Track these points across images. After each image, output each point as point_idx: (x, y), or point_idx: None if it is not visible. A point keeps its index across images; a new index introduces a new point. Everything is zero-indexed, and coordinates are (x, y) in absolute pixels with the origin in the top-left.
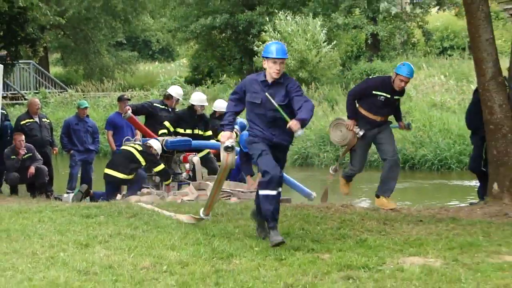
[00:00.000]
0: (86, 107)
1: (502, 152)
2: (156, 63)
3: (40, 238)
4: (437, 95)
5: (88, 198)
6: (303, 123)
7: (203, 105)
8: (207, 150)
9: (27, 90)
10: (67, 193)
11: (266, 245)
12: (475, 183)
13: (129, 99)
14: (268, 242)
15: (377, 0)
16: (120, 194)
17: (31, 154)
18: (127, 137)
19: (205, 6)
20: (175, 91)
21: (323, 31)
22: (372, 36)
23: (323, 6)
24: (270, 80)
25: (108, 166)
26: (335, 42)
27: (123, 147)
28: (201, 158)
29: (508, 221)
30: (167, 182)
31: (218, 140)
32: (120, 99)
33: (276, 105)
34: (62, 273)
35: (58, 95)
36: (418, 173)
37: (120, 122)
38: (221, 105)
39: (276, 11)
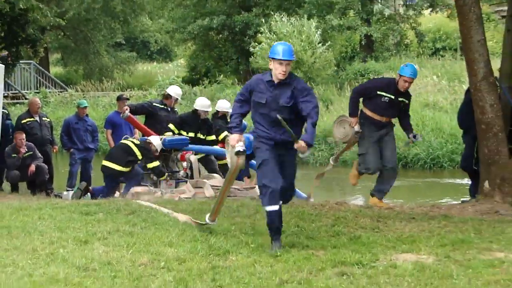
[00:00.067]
0: (85, 107)
1: (493, 151)
2: (154, 63)
3: (40, 235)
4: (429, 95)
5: (88, 194)
6: (309, 145)
7: (207, 111)
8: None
9: (27, 89)
10: (67, 190)
11: (262, 242)
12: (467, 181)
13: (127, 99)
14: (263, 238)
15: (371, 2)
16: (119, 191)
17: (31, 152)
18: (125, 135)
19: (203, 7)
20: (174, 91)
21: (318, 32)
22: (366, 37)
23: (318, 8)
24: (276, 81)
25: (106, 158)
26: (329, 43)
27: (121, 141)
28: (202, 158)
29: (499, 219)
30: (162, 178)
31: (220, 140)
32: (119, 98)
33: (282, 122)
34: (61, 269)
35: (58, 94)
36: (411, 171)
37: (119, 121)
38: (224, 105)
39: (272, 12)
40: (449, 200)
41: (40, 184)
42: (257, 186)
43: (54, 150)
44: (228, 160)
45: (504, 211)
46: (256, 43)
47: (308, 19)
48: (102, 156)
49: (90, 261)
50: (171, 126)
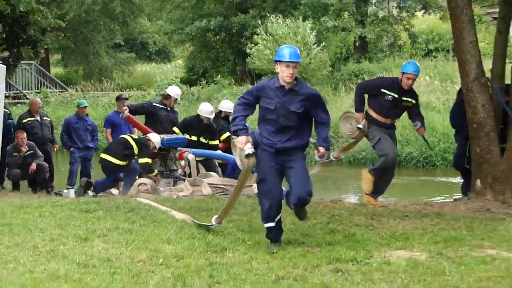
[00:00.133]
0: (85, 106)
1: (484, 150)
2: (153, 64)
3: (41, 232)
4: (422, 95)
5: (92, 188)
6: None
7: (209, 117)
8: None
9: (28, 89)
10: (67, 189)
11: (259, 239)
12: (459, 179)
13: (127, 99)
14: (260, 236)
15: (365, 4)
16: (118, 190)
17: (32, 151)
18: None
19: (200, 9)
20: (173, 91)
21: (313, 34)
22: (360, 38)
23: (313, 10)
24: (287, 87)
25: (104, 151)
26: (324, 43)
27: (120, 136)
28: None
29: (491, 217)
30: (151, 175)
31: (222, 140)
32: (118, 98)
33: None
34: (62, 266)
35: (59, 94)
36: (405, 170)
37: (118, 121)
38: (227, 105)
39: (268, 14)
40: (441, 198)
41: (40, 182)
42: (254, 185)
43: (55, 149)
44: (238, 162)
45: (495, 209)
46: (253, 44)
47: (304, 20)
48: None
49: (90, 258)
50: (175, 129)
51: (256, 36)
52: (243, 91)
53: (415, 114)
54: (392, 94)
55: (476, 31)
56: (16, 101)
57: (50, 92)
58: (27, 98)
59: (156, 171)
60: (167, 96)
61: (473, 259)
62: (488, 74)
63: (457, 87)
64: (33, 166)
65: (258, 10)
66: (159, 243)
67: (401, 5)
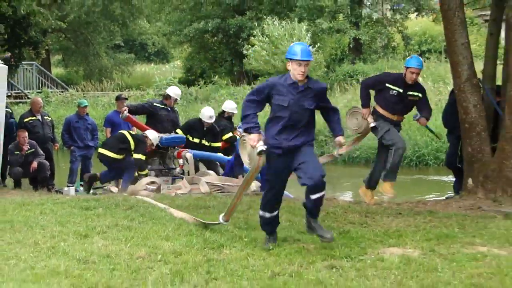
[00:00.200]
0: (85, 106)
1: (476, 150)
2: (152, 64)
3: (42, 229)
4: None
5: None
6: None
7: (209, 122)
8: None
9: (30, 89)
10: (68, 186)
11: (255, 236)
12: (451, 178)
13: (126, 99)
14: (256, 233)
15: (359, 6)
16: (117, 187)
17: (33, 149)
18: None
19: (198, 11)
20: (173, 91)
21: (308, 35)
22: (355, 40)
23: (309, 12)
24: (300, 84)
25: (101, 146)
26: (319, 44)
27: (119, 131)
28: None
29: (482, 214)
30: (142, 172)
31: (225, 140)
32: (118, 98)
33: None
34: (62, 262)
35: (59, 94)
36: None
37: (118, 120)
38: (230, 105)
39: (265, 16)
40: (434, 196)
41: (41, 180)
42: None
43: (55, 148)
44: (245, 160)
45: (486, 207)
46: (249, 46)
47: (299, 22)
48: None
49: (90, 254)
50: (178, 131)
51: (252, 38)
52: (240, 91)
53: (423, 107)
54: (397, 89)
55: (468, 33)
56: (18, 100)
57: (51, 92)
58: (28, 98)
59: (146, 170)
60: (167, 96)
61: (464, 256)
62: (479, 75)
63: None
64: (34, 164)
65: (254, 12)
66: (158, 240)
67: (394, 7)
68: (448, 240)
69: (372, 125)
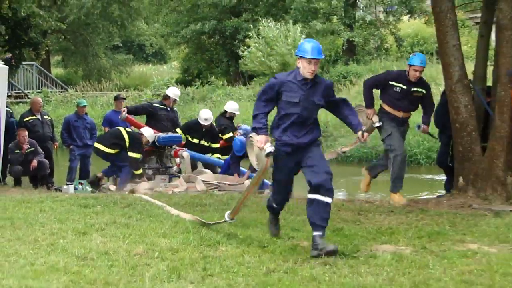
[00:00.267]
0: (84, 106)
1: (467, 149)
2: (150, 65)
3: (42, 226)
4: None
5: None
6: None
7: (206, 124)
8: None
9: (30, 89)
10: (67, 184)
11: (250, 233)
12: (442, 177)
13: (124, 99)
14: (252, 230)
15: (353, 8)
16: (115, 185)
17: (33, 148)
18: None
19: (195, 13)
20: (173, 92)
21: (303, 37)
22: (348, 41)
23: (303, 14)
24: (310, 79)
25: (96, 140)
26: None
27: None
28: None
29: (472, 212)
30: (136, 172)
31: (225, 139)
32: (116, 98)
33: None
34: (61, 259)
35: (59, 94)
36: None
37: (116, 119)
38: (232, 106)
39: (260, 18)
40: (426, 194)
41: (41, 179)
42: (245, 182)
43: (55, 147)
44: (252, 161)
45: (477, 205)
46: (245, 47)
47: (294, 24)
48: None
49: (88, 251)
50: (178, 130)
51: (248, 39)
52: (236, 92)
53: (426, 105)
54: (400, 85)
55: (459, 35)
56: (18, 100)
57: (51, 92)
58: (28, 98)
59: (141, 170)
60: (166, 97)
61: (455, 253)
62: (470, 76)
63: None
64: (34, 162)
65: (250, 14)
66: (155, 237)
67: (387, 10)
68: (439, 237)
69: (376, 125)
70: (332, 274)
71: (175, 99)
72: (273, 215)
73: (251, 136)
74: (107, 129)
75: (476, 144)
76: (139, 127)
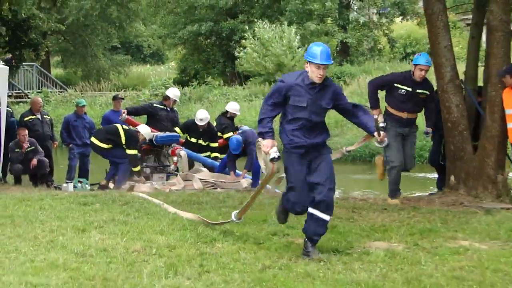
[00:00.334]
0: (84, 105)
1: (458, 148)
2: (148, 65)
3: (41, 223)
4: None
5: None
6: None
7: (201, 125)
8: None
9: (30, 89)
10: (66, 183)
11: (246, 230)
12: (434, 175)
13: (122, 98)
14: (247, 227)
15: (347, 10)
16: (113, 183)
17: (33, 147)
18: None
19: (192, 14)
20: (172, 92)
21: (297, 38)
22: (342, 42)
23: (298, 16)
24: (318, 83)
25: (93, 134)
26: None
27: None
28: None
29: (464, 210)
30: (135, 169)
31: (225, 138)
32: (114, 98)
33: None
34: (61, 255)
35: (59, 94)
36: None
37: (114, 119)
38: (233, 106)
39: (256, 20)
40: (418, 192)
41: (41, 177)
42: (241, 180)
43: (54, 146)
44: (261, 165)
45: (468, 203)
46: (241, 48)
47: (289, 25)
48: None
49: (87, 248)
50: (177, 129)
51: (244, 40)
52: (232, 92)
53: (429, 108)
54: (406, 88)
55: (450, 36)
56: (18, 100)
57: (51, 92)
58: (28, 98)
59: (139, 167)
60: (166, 98)
61: (447, 250)
62: (462, 77)
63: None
64: (34, 161)
65: (246, 16)
66: (153, 234)
67: (381, 11)
68: (431, 234)
69: (381, 125)
70: (326, 271)
71: (175, 100)
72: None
73: (259, 140)
74: None
75: (467, 143)
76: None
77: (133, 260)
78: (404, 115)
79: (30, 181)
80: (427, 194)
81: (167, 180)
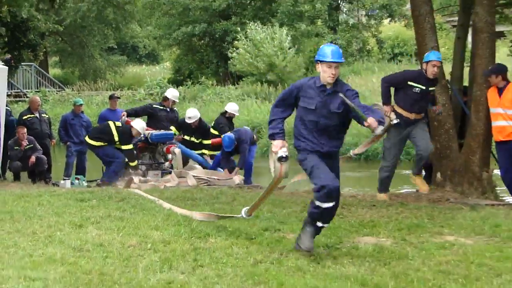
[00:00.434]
0: (81, 104)
1: (444, 146)
2: (143, 66)
3: (40, 219)
4: None
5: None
6: (380, 122)
7: (191, 123)
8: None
9: (28, 89)
10: (64, 179)
11: (238, 226)
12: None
13: (118, 98)
14: (240, 223)
15: (336, 12)
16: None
17: (32, 145)
18: None
19: (186, 16)
20: (171, 93)
21: (289, 39)
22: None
23: (289, 17)
24: (328, 86)
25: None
26: (296, 46)
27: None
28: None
29: (450, 206)
30: (132, 164)
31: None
32: (111, 97)
33: (352, 105)
34: (58, 250)
35: (56, 93)
36: (372, 163)
37: (111, 118)
38: (232, 107)
39: (248, 21)
40: (405, 189)
41: (39, 174)
42: (234, 177)
43: (52, 143)
44: (271, 165)
45: (454, 199)
46: (234, 49)
47: (280, 27)
48: None
49: (84, 243)
50: (172, 128)
51: (237, 41)
52: (225, 91)
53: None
54: (420, 86)
55: (437, 38)
56: (17, 99)
57: (49, 91)
58: (27, 97)
59: (136, 162)
60: (165, 98)
61: (433, 245)
62: (448, 77)
63: None
64: (33, 158)
65: (239, 18)
66: (148, 230)
67: (369, 13)
68: (418, 230)
69: (394, 122)
70: (316, 265)
71: (174, 100)
72: (315, 227)
73: (271, 142)
74: None
75: (453, 141)
76: None
77: (129, 255)
78: (412, 116)
79: (28, 178)
80: (415, 190)
81: (161, 177)
